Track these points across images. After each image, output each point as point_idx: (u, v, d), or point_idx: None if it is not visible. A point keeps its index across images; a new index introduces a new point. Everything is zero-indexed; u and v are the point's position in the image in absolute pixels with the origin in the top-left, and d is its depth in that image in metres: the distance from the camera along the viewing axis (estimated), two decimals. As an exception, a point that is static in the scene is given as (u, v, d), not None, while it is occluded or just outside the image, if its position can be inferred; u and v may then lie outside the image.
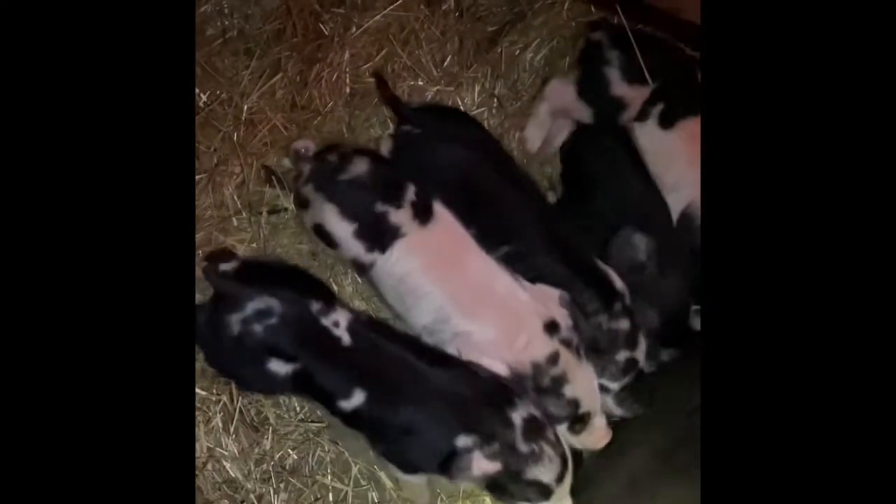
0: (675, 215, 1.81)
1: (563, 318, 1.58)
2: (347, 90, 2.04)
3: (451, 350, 1.57)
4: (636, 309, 1.69)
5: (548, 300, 1.60)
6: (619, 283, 1.69)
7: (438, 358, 1.54)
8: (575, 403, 1.57)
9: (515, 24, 2.22)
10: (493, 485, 1.47)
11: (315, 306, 1.52)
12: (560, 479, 1.46)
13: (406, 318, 1.67)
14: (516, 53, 2.19)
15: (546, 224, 1.73)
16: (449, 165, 1.75)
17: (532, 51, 2.19)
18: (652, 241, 1.67)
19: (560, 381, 1.55)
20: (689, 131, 1.77)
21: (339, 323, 1.52)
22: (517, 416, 1.44)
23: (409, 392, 1.48)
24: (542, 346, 1.55)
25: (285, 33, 2.10)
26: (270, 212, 1.92)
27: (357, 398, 1.48)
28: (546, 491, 1.46)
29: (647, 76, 1.83)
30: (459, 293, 1.59)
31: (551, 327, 1.57)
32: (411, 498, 1.71)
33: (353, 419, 1.52)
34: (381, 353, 1.51)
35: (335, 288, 1.86)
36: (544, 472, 1.44)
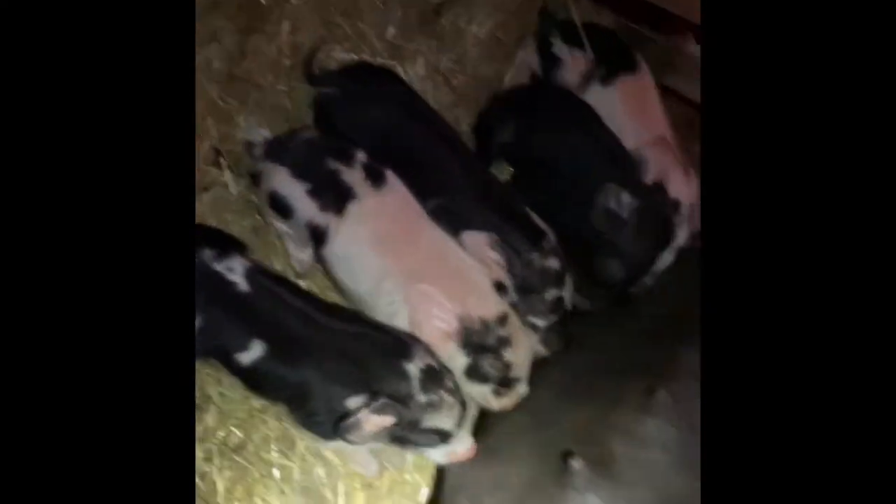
0: None
1: (497, 261, 1.64)
2: (287, 62, 1.98)
3: (403, 306, 1.57)
4: (599, 259, 1.80)
5: (480, 245, 1.65)
6: (540, 222, 1.76)
7: (338, 313, 1.53)
8: (508, 367, 1.60)
9: (460, -4, 2.19)
10: (393, 437, 1.47)
11: (207, 254, 1.49)
12: (460, 423, 1.48)
13: (355, 293, 1.67)
14: (461, 26, 2.16)
15: (472, 172, 1.78)
16: (372, 122, 1.75)
17: (477, 24, 2.17)
18: (636, 201, 1.76)
19: (504, 342, 1.58)
20: (627, 86, 2.02)
21: (233, 268, 1.49)
22: (414, 368, 1.43)
23: (309, 346, 1.44)
24: (492, 305, 1.59)
25: (221, 2, 2.02)
26: (209, 188, 1.87)
27: (256, 350, 1.44)
28: (446, 436, 1.48)
29: (585, 41, 2.07)
30: (413, 265, 1.60)
31: (499, 287, 1.62)
32: (358, 471, 1.73)
33: (251, 376, 1.49)
34: (282, 303, 1.47)
35: (277, 267, 1.84)
36: (444, 420, 1.45)
